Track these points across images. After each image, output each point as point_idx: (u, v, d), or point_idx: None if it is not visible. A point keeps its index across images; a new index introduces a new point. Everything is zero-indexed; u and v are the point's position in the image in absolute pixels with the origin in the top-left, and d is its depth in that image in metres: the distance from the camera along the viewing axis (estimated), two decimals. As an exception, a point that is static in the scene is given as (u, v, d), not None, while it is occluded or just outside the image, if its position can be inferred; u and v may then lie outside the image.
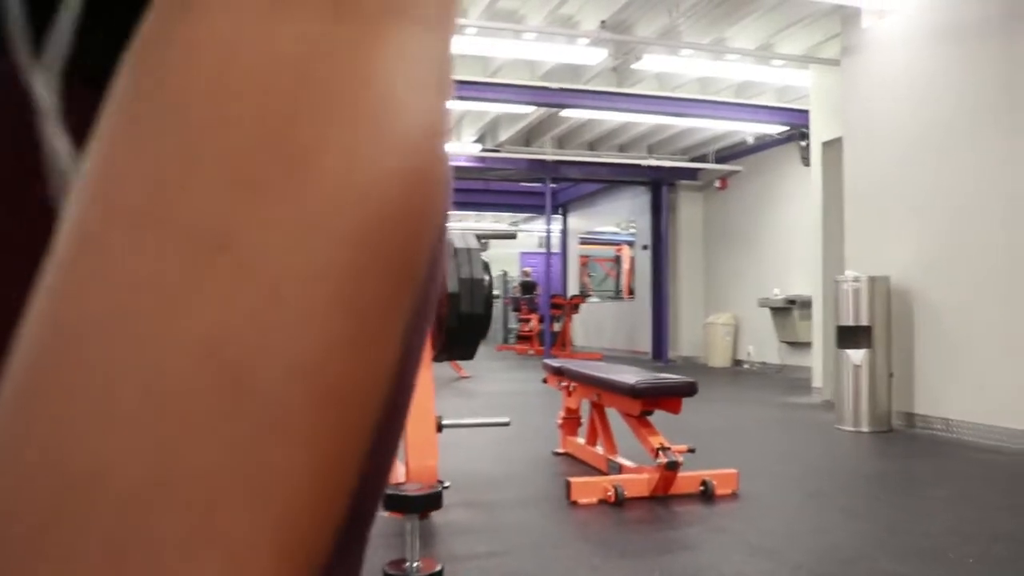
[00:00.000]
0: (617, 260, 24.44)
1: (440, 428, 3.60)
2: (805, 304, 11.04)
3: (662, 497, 4.01)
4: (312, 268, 0.18)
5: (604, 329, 17.65)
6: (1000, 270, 5.79)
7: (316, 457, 0.18)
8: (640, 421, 4.25)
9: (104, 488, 0.16)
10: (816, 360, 8.70)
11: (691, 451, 4.19)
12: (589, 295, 20.18)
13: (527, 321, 17.51)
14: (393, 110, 0.20)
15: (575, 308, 16.23)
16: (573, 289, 18.87)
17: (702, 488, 4.08)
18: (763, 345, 12.34)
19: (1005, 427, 5.69)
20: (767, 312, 11.77)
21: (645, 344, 15.32)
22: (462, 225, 20.09)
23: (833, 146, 8.43)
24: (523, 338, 17.78)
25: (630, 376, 4.34)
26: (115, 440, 0.17)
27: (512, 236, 9.50)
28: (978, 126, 5.99)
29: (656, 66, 9.00)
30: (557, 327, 15.93)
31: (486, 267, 3.82)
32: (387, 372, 0.20)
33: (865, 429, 6.27)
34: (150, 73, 0.20)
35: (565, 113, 11.09)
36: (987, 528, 3.44)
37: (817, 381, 8.54)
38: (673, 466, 3.96)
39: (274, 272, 0.18)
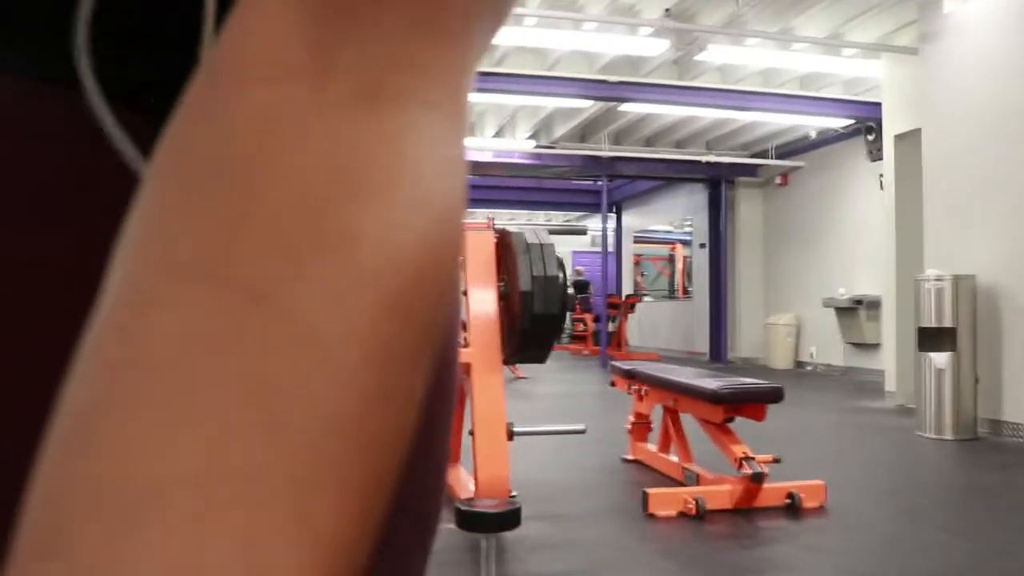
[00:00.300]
0: (671, 259, 24.13)
1: (511, 436, 3.39)
2: (873, 304, 10.66)
3: (745, 510, 3.76)
4: (350, 328, 0.20)
5: (659, 329, 17.37)
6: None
7: (352, 503, 0.20)
8: (721, 428, 4.00)
9: (164, 506, 0.18)
10: (888, 363, 8.34)
11: (776, 461, 3.93)
12: (644, 295, 19.91)
13: (581, 321, 17.27)
14: (421, 193, 0.22)
15: (631, 308, 15.95)
16: (627, 288, 18.58)
17: (788, 501, 3.81)
18: (827, 346, 11.97)
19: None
20: (831, 312, 11.40)
21: (703, 345, 15.00)
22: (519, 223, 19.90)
23: (907, 139, 8.07)
24: (577, 338, 17.54)
25: (711, 381, 4.09)
26: (171, 463, 0.19)
27: (583, 232, 9.29)
28: (1074, 115, 5.64)
29: (719, 57, 8.71)
30: (611, 327, 15.68)
31: (560, 264, 3.61)
32: (413, 421, 0.22)
33: (948, 437, 5.94)
34: (196, 140, 0.22)
35: (623, 108, 10.83)
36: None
37: (890, 385, 8.18)
38: (759, 478, 3.71)
39: (314, 330, 0.20)
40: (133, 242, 0.21)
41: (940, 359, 6.00)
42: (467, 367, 3.48)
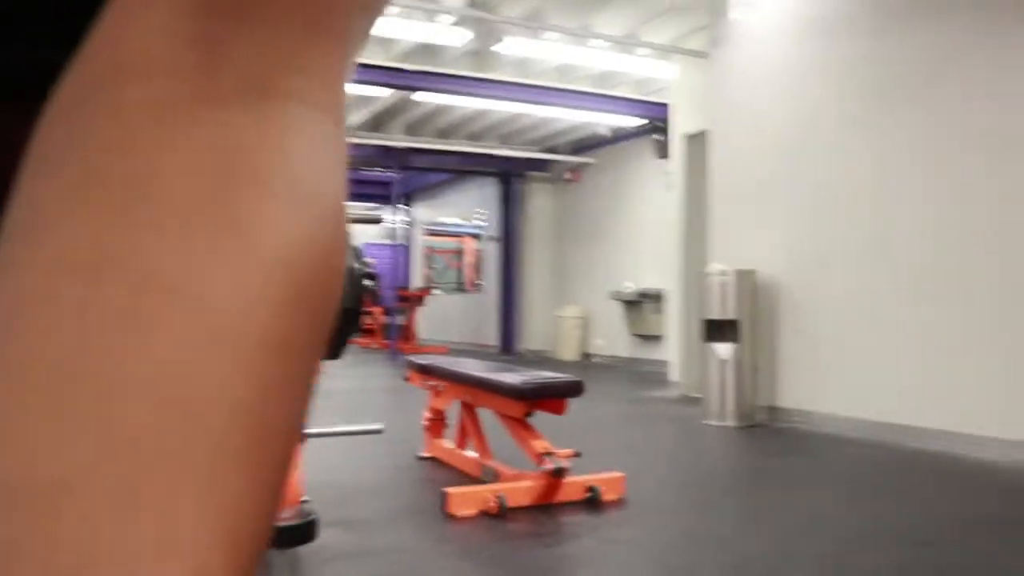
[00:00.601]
0: (460, 252, 24.21)
1: (303, 438, 3.12)
2: (657, 298, 11.07)
3: (546, 506, 3.68)
4: (254, 319, 0.21)
5: (449, 322, 17.33)
6: (862, 264, 5.80)
7: (256, 486, 0.21)
8: (521, 424, 3.91)
9: (72, 498, 0.19)
10: (673, 354, 8.63)
11: (577, 455, 3.87)
12: (434, 287, 19.83)
13: (370, 314, 16.94)
14: (311, 190, 0.23)
15: (421, 301, 15.80)
16: (418, 281, 18.43)
17: (588, 495, 3.77)
18: (613, 338, 12.33)
19: (864, 419, 5.71)
20: (617, 305, 11.74)
21: (492, 337, 15.09)
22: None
23: (696, 139, 8.37)
24: (366, 331, 17.19)
25: (512, 376, 3.99)
26: (81, 455, 0.19)
27: (379, 220, 9.04)
28: (844, 121, 5.99)
29: (518, 50, 8.70)
30: (401, 320, 15.48)
31: (358, 253, 3.37)
32: (308, 409, 0.24)
33: (731, 424, 6.18)
34: (78, 134, 0.22)
35: (419, 97, 10.64)
36: (883, 528, 3.29)
37: (675, 375, 8.47)
38: (560, 472, 3.64)
39: (220, 320, 0.21)
40: (18, 239, 0.21)
41: (724, 350, 6.24)
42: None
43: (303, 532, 2.21)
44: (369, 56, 9.16)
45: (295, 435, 0.23)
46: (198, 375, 0.20)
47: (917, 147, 5.48)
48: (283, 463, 0.22)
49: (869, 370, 5.73)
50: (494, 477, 4.03)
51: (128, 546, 0.18)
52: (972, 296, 5.12)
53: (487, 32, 8.64)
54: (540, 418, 3.86)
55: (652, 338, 11.36)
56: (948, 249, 5.28)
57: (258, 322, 0.21)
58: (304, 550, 2.95)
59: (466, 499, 3.58)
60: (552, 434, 3.83)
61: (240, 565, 0.21)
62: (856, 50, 5.91)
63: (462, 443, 4.59)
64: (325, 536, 3.13)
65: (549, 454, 3.72)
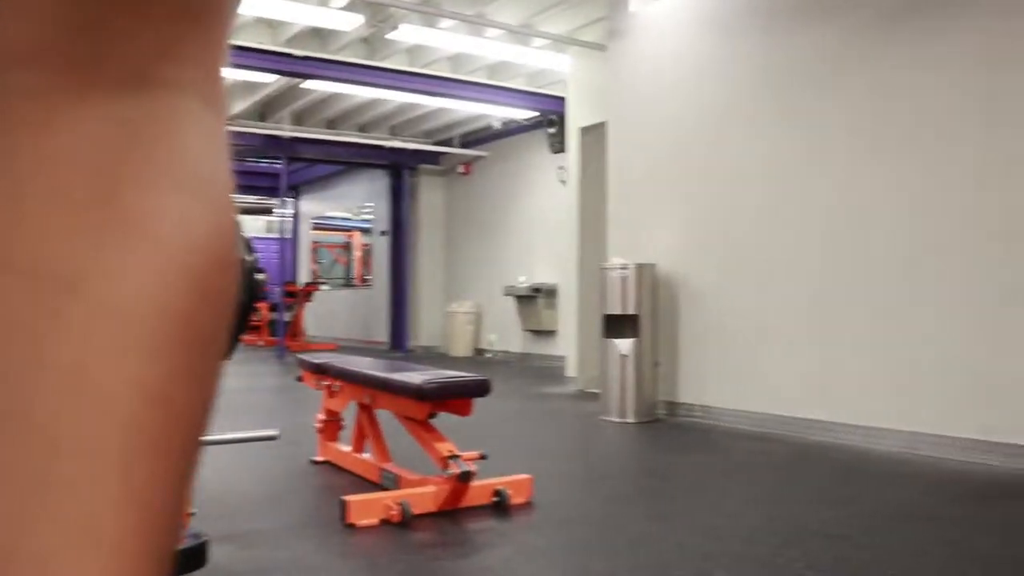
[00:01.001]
0: (347, 247, 23.74)
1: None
2: (550, 292, 11.02)
3: (452, 512, 3.50)
4: (160, 308, 0.22)
5: (337, 318, 16.95)
6: (756, 258, 5.83)
7: (169, 470, 0.22)
8: (424, 426, 3.72)
9: None
10: (569, 349, 8.56)
11: (483, 458, 3.70)
12: (322, 283, 19.38)
13: (257, 310, 16.39)
14: (201, 178, 0.24)
15: (308, 296, 15.37)
16: (305, 277, 17.95)
17: (495, 499, 3.62)
18: (506, 334, 12.22)
19: (764, 413, 5.75)
20: (511, 300, 11.63)
21: (382, 334, 14.80)
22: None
23: (591, 132, 8.32)
24: (252, 328, 16.64)
25: (414, 375, 3.78)
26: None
27: (269, 211, 8.69)
28: (743, 115, 6.00)
29: (411, 38, 8.46)
30: (288, 316, 15.03)
31: (249, 246, 3.11)
32: (214, 396, 0.25)
33: (631, 420, 6.13)
34: None
35: (307, 85, 10.27)
36: (795, 524, 3.25)
37: (571, 371, 8.40)
38: (467, 476, 3.46)
39: (128, 312, 0.22)
40: None
41: (624, 345, 6.17)
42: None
43: (194, 557, 1.97)
44: (255, 40, 8.77)
45: (204, 422, 0.24)
46: (108, 367, 0.21)
47: (815, 142, 5.53)
48: (193, 450, 0.24)
49: (768, 364, 5.76)
50: (395, 483, 3.83)
51: (45, 534, 0.19)
52: (869, 290, 5.19)
53: (381, 18, 8.37)
54: (438, 418, 3.68)
55: (546, 333, 11.31)
56: (845, 243, 5.33)
57: (162, 314, 0.21)
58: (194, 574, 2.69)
59: (367, 507, 3.37)
60: (451, 434, 3.66)
61: (155, 549, 0.22)
62: (755, 45, 5.93)
63: (359, 446, 4.37)
64: (216, 553, 2.88)
65: (454, 457, 3.54)
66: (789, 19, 5.71)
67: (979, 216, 4.69)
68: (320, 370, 4.59)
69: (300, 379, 4.95)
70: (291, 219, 17.43)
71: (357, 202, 16.71)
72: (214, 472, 4.27)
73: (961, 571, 2.73)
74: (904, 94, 5.04)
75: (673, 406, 6.40)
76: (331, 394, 4.53)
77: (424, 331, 14.08)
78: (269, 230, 20.99)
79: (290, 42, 8.95)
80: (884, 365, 5.09)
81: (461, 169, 13.28)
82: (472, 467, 3.48)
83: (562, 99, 9.18)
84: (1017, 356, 4.51)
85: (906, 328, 4.99)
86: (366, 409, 4.23)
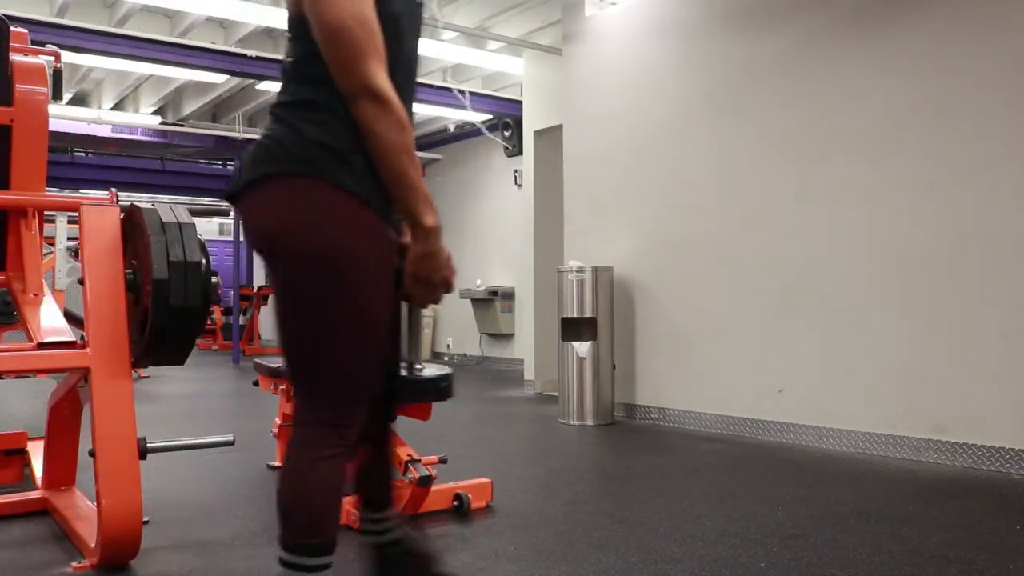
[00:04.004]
0: (303, 250, 23.51)
1: (144, 454, 2.80)
2: (507, 295, 11.01)
3: (412, 517, 3.47)
4: None
5: (293, 322, 16.73)
6: (716, 262, 5.88)
7: None
8: (384, 430, 3.68)
9: None
10: (527, 352, 8.56)
11: (443, 462, 3.68)
12: (277, 286, 19.13)
13: (211, 314, 16.14)
14: None
15: (264, 300, 15.18)
16: (260, 280, 17.73)
17: (456, 503, 3.60)
18: (463, 337, 12.19)
19: (718, 414, 5.80)
20: (467, 304, 11.60)
21: (340, 337, 14.64)
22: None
23: (546, 135, 8.33)
24: (206, 332, 16.40)
25: (372, 378, 3.74)
26: None
27: (225, 213, 8.47)
28: (698, 120, 6.05)
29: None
30: (243, 320, 14.85)
31: (203, 248, 3.06)
32: None
33: (590, 423, 6.15)
34: None
35: (262, 86, 10.16)
36: (754, 524, 3.28)
37: (529, 374, 8.40)
38: (426, 481, 3.43)
39: None
40: None
41: (582, 348, 6.19)
42: (86, 372, 2.84)
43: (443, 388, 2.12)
44: (207, 40, 8.65)
45: None
46: None
47: (771, 144, 5.58)
48: None
49: (724, 366, 5.81)
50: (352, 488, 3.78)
51: None
52: (824, 293, 5.25)
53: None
54: (397, 422, 3.64)
55: (503, 336, 11.30)
56: (801, 247, 5.40)
57: None
58: (147, 582, 2.65)
59: (326, 513, 3.32)
60: (410, 438, 3.63)
61: None
62: (711, 48, 5.97)
63: (317, 451, 4.31)
64: (169, 562, 2.83)
65: (414, 461, 3.52)
66: (745, 23, 5.77)
67: (935, 217, 4.78)
68: (276, 374, 4.53)
69: (256, 384, 4.89)
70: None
71: (312, 205, 16.54)
72: (169, 479, 4.19)
73: (917, 567, 2.77)
74: (860, 96, 5.11)
75: (630, 408, 6.42)
76: (288, 398, 4.47)
77: (380, 334, 13.98)
78: (222, 233, 20.71)
79: (242, 42, 8.84)
80: (838, 367, 5.16)
81: (417, 172, 13.20)
82: (432, 471, 3.46)
83: (518, 103, 9.17)
84: (969, 357, 4.60)
85: (860, 330, 5.06)
86: (324, 414, 4.18)
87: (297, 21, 1.68)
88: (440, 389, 1.99)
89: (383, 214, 1.66)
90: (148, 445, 2.83)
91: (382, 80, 1.57)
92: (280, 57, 7.13)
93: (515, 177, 10.30)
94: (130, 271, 3.06)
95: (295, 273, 1.64)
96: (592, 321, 6.21)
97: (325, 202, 1.61)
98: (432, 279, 1.71)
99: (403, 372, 1.92)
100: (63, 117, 11.00)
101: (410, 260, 1.70)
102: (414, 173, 1.63)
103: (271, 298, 1.87)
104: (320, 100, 1.64)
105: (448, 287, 1.77)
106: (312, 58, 1.62)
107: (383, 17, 1.61)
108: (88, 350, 2.83)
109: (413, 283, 1.71)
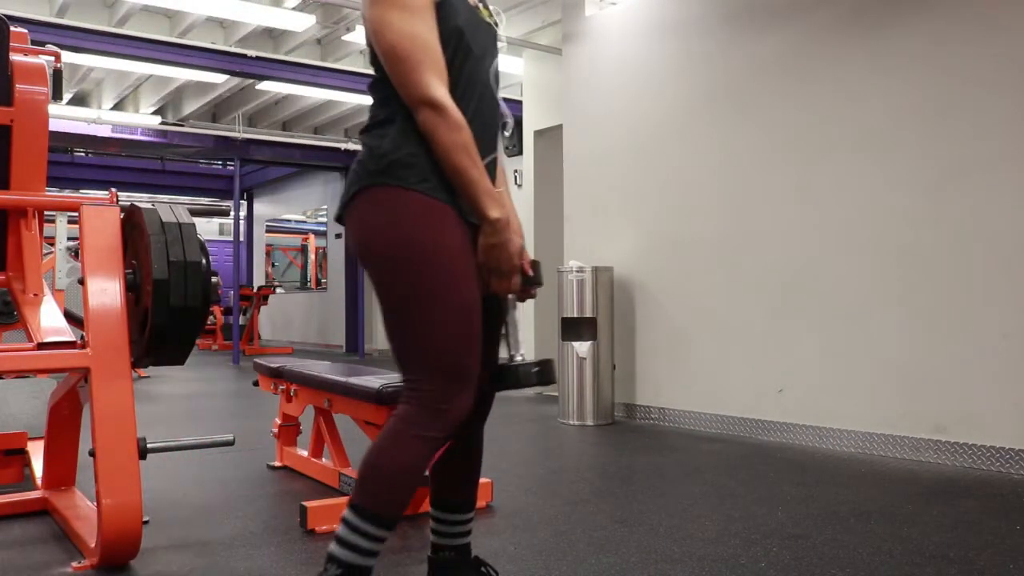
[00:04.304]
0: (303, 249, 23.53)
1: (144, 454, 2.80)
2: (507, 295, 10.99)
3: (411, 517, 3.47)
4: None
5: (293, 322, 16.78)
6: (716, 262, 5.88)
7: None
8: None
9: None
10: (527, 352, 8.52)
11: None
12: (277, 286, 19.19)
13: (211, 314, 16.16)
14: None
15: (264, 300, 15.20)
16: (259, 280, 17.75)
17: (456, 503, 3.59)
18: (463, 337, 12.15)
19: (718, 414, 5.80)
20: (468, 303, 11.58)
21: (338, 337, 14.69)
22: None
23: (546, 135, 8.33)
24: (205, 332, 16.42)
25: (372, 379, 3.75)
26: None
27: (226, 213, 8.49)
28: (699, 120, 6.05)
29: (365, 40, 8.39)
30: (243, 320, 14.86)
31: (203, 248, 3.06)
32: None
33: (590, 423, 6.15)
34: None
35: (262, 87, 10.16)
36: (755, 524, 3.28)
37: (528, 374, 8.37)
38: (427, 481, 3.42)
39: None
40: None
41: (582, 348, 6.19)
42: (86, 372, 2.84)
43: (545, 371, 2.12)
44: (207, 40, 8.66)
45: None
46: None
47: (772, 144, 5.58)
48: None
49: (724, 366, 5.81)
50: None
51: None
52: (826, 293, 5.25)
53: (335, 19, 8.30)
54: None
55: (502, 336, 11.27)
56: (801, 247, 5.40)
57: None
58: (147, 581, 2.65)
59: (327, 513, 3.33)
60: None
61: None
62: (712, 48, 5.97)
63: (317, 451, 4.32)
64: (170, 561, 2.83)
65: (414, 461, 3.52)
66: (745, 23, 5.77)
67: (935, 217, 4.78)
68: (276, 374, 4.53)
69: (256, 384, 4.89)
70: (245, 221, 17.23)
71: (312, 204, 16.57)
72: (169, 479, 4.20)
73: (917, 567, 2.77)
74: (860, 96, 5.11)
75: (630, 408, 6.42)
76: (288, 398, 4.48)
77: (381, 334, 13.99)
78: (222, 233, 20.73)
79: (242, 42, 8.85)
80: (838, 367, 5.16)
81: (417, 171, 13.22)
82: (428, 471, 3.45)
83: (518, 102, 9.18)
84: (969, 357, 4.59)
85: (860, 330, 5.06)
86: (324, 413, 4.19)
87: (371, 51, 1.88)
88: (542, 373, 2.05)
89: (455, 206, 1.82)
90: (148, 445, 2.83)
91: (436, 89, 1.74)
92: (280, 57, 7.13)
93: (515, 177, 10.28)
94: (130, 271, 3.06)
95: (385, 270, 1.82)
96: (592, 321, 6.21)
97: (400, 203, 1.78)
98: (502, 268, 1.84)
99: (503, 360, 2.02)
100: (63, 117, 11.00)
101: (480, 251, 1.84)
102: (474, 170, 1.76)
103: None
104: (389, 116, 1.84)
105: (523, 275, 1.92)
106: (381, 79, 1.85)
107: (447, 31, 1.80)
108: (88, 350, 2.83)
109: (487, 273, 1.86)
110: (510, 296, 2.03)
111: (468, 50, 1.87)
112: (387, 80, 1.81)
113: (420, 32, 1.75)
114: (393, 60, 1.76)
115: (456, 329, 1.81)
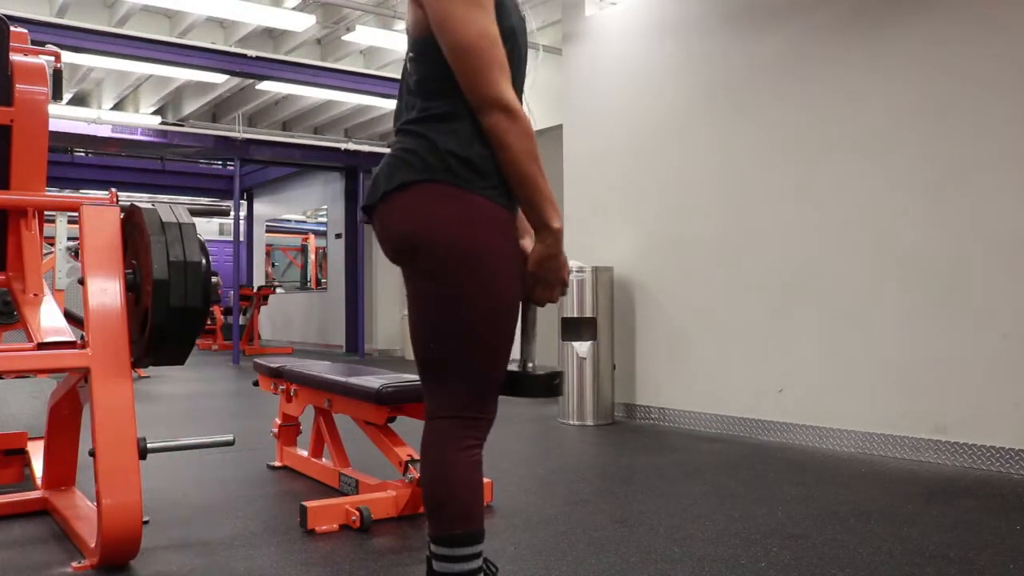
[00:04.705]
0: (303, 249, 23.53)
1: (144, 454, 2.80)
2: (508, 295, 10.99)
3: (411, 517, 3.48)
4: None
5: (293, 322, 16.78)
6: (716, 262, 5.88)
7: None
8: (383, 430, 3.69)
9: None
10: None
11: (443, 462, 3.67)
12: (277, 286, 19.19)
13: (211, 314, 16.16)
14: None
15: (264, 300, 15.20)
16: (259, 280, 17.75)
17: (456, 503, 3.59)
18: (463, 337, 12.16)
19: (718, 414, 5.80)
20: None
21: (338, 337, 14.69)
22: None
23: (546, 135, 8.33)
24: (205, 332, 16.42)
25: (372, 379, 3.76)
26: None
27: (226, 213, 8.47)
28: (699, 120, 6.04)
29: (367, 39, 8.40)
30: (243, 320, 14.86)
31: (203, 248, 3.06)
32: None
33: (590, 423, 6.15)
34: None
35: (262, 87, 10.15)
36: (755, 524, 3.28)
37: (529, 373, 8.38)
38: (427, 481, 3.43)
39: None
40: None
41: (582, 348, 6.19)
42: (86, 372, 2.84)
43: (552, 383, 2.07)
44: (207, 40, 8.65)
45: None
46: None
47: (773, 145, 5.58)
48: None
49: (724, 366, 5.81)
50: (354, 488, 3.79)
51: None
52: (825, 293, 5.25)
53: (336, 19, 8.30)
54: (397, 422, 3.66)
55: (503, 335, 11.27)
56: (801, 247, 5.40)
57: None
58: (147, 582, 2.65)
59: (326, 513, 3.33)
60: (410, 438, 3.62)
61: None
62: (711, 48, 5.97)
63: (317, 451, 4.33)
64: (169, 561, 2.83)
65: (414, 461, 3.53)
66: (745, 23, 5.76)
67: (935, 217, 4.78)
68: (276, 374, 4.54)
69: (256, 384, 4.89)
70: (245, 221, 17.23)
71: (312, 204, 16.57)
72: (169, 479, 4.20)
73: (917, 567, 2.77)
74: (860, 96, 5.11)
75: (630, 408, 6.42)
76: (288, 398, 4.48)
77: (381, 335, 14.00)
78: (222, 233, 20.74)
79: (242, 42, 8.85)
80: (838, 367, 5.16)
81: (417, 171, 13.22)
82: (432, 471, 3.46)
83: (519, 102, 9.17)
84: (969, 357, 4.59)
85: (860, 330, 5.06)
86: (324, 413, 4.19)
87: (422, 43, 1.76)
88: (554, 386, 2.04)
89: (514, 215, 1.79)
90: (148, 445, 2.83)
91: (509, 92, 1.67)
92: (280, 57, 7.14)
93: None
94: (130, 271, 3.06)
95: (441, 268, 1.72)
96: (592, 321, 6.21)
97: (465, 203, 1.70)
98: (551, 279, 1.80)
99: (518, 368, 1.96)
100: (63, 117, 11.00)
101: (533, 261, 1.77)
102: (541, 178, 1.71)
103: (406, 302, 1.90)
104: (450, 112, 1.73)
105: (564, 287, 1.87)
106: (440, 75, 1.71)
107: (504, 32, 1.71)
108: (88, 350, 2.83)
109: (534, 283, 1.80)
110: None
111: (521, 52, 1.81)
112: (444, 72, 1.70)
113: (493, 31, 1.67)
114: (464, 56, 1.65)
115: (501, 342, 1.77)
